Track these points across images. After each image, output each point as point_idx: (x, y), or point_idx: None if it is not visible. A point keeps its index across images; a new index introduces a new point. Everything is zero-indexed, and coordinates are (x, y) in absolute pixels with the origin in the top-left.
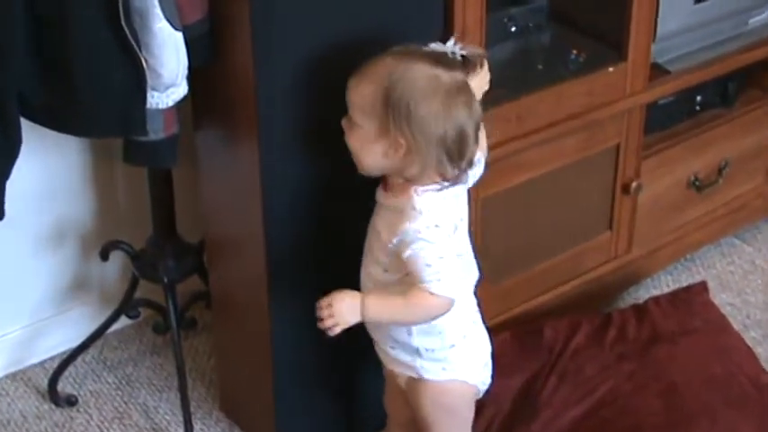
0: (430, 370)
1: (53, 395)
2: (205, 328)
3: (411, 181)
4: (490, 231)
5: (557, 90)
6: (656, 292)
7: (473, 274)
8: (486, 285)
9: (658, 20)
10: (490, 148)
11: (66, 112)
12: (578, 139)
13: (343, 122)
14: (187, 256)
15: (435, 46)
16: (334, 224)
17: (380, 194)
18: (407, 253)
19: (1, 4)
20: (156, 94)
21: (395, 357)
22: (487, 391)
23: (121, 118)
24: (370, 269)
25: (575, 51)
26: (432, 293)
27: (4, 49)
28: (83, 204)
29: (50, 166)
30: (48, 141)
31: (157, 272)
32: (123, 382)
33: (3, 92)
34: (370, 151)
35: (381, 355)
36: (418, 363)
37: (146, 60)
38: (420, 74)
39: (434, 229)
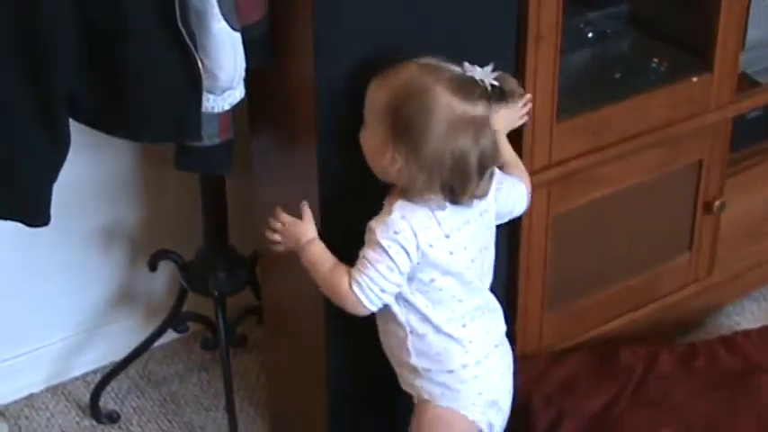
0: (430, 392)
1: (94, 411)
2: (256, 346)
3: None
4: (561, 249)
5: (636, 101)
6: (739, 320)
7: (477, 297)
8: (555, 307)
9: (748, 26)
10: (564, 161)
11: (117, 115)
12: (658, 155)
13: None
14: (239, 269)
15: (469, 68)
16: None
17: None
18: (365, 238)
19: (49, 2)
20: (211, 97)
21: (404, 379)
22: (561, 412)
23: (175, 122)
24: None
25: (656, 60)
26: (346, 281)
27: (52, 48)
28: (132, 211)
29: (100, 168)
30: (99, 142)
31: (207, 284)
32: (168, 400)
33: (50, 93)
34: (376, 156)
35: (399, 378)
36: (418, 383)
37: (202, 62)
38: (434, 99)
39: (390, 234)
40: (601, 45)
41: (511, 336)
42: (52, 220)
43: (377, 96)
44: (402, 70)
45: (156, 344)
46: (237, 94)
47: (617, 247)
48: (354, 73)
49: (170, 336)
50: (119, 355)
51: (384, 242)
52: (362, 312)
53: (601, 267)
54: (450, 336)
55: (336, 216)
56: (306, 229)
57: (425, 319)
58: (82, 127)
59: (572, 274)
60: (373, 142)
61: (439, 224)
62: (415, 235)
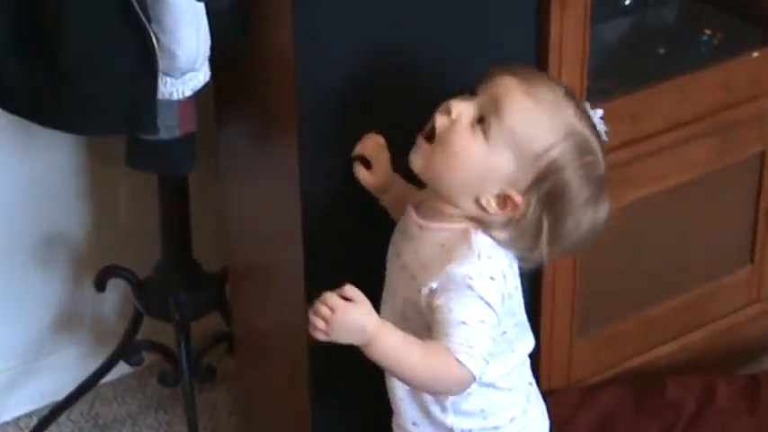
0: None
1: None
2: (225, 379)
3: (472, 219)
4: (594, 263)
5: (683, 82)
6: None
7: (528, 341)
8: (587, 332)
9: None
10: None
11: (55, 104)
12: (710, 146)
13: (457, 106)
14: (205, 288)
15: (591, 114)
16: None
17: (410, 216)
18: (442, 300)
19: None
20: (169, 80)
21: None
22: None
23: (125, 111)
24: (388, 313)
25: (707, 31)
26: (456, 361)
27: None
28: (75, 220)
29: (36, 170)
30: (33, 139)
31: (167, 307)
32: None
33: None
34: (469, 173)
35: None
36: None
37: (157, 38)
38: (599, 164)
39: (488, 282)
40: (640, 14)
41: (534, 367)
42: None
43: (530, 126)
44: (560, 105)
45: (105, 379)
46: (201, 77)
47: (661, 260)
48: (342, 51)
49: (122, 369)
50: (59, 393)
51: (487, 295)
52: (467, 389)
53: (641, 284)
54: (493, 385)
55: (323, 221)
56: (361, 313)
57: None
58: (12, 119)
59: (607, 291)
60: (483, 158)
61: (512, 260)
62: (505, 278)
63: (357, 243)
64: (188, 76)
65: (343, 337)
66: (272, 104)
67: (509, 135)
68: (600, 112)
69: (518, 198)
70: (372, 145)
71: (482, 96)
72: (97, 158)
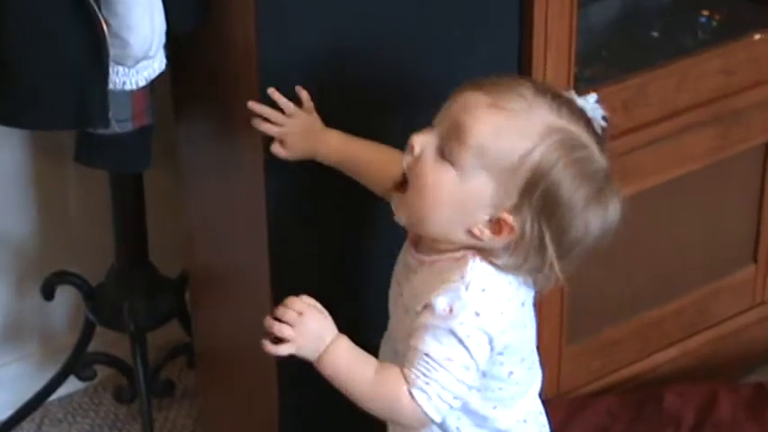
0: None
1: None
2: (186, 394)
3: (471, 248)
4: (584, 263)
5: (680, 67)
6: None
7: (537, 378)
8: (577, 338)
9: None
10: None
11: None
12: (710, 136)
13: (418, 141)
14: (163, 295)
15: (581, 102)
16: (364, 251)
17: (408, 254)
18: (417, 323)
19: None
20: (121, 69)
21: None
22: None
23: (73, 103)
24: (390, 354)
25: (706, 12)
26: (411, 396)
27: None
28: (20, 221)
29: None
30: None
31: (121, 316)
32: None
33: None
34: (450, 208)
35: None
36: None
37: (107, 23)
38: (594, 159)
39: (470, 319)
40: None
41: None
42: None
43: (502, 140)
44: (532, 111)
45: (54, 396)
46: (156, 65)
47: (657, 260)
48: (307, 41)
49: (72, 385)
50: (3, 412)
51: (461, 330)
52: (425, 426)
53: (636, 286)
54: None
55: (290, 222)
56: (324, 324)
57: (484, 422)
58: None
59: (598, 294)
60: (457, 189)
61: (517, 288)
62: (501, 314)
63: (326, 245)
64: (142, 64)
65: (305, 343)
66: (235, 97)
67: (477, 155)
68: (593, 97)
69: (509, 218)
70: (277, 121)
71: (443, 122)
72: (44, 155)
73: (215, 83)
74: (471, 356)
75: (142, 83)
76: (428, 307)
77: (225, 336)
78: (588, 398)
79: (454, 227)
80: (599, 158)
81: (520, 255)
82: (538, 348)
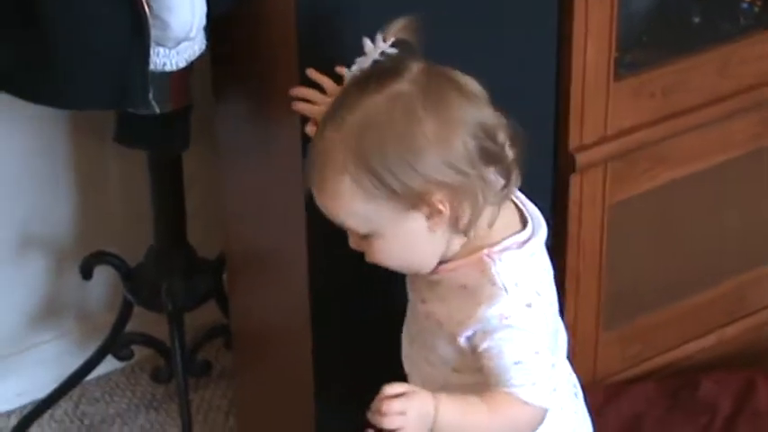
0: None
1: None
2: (223, 375)
3: (471, 240)
4: (619, 250)
5: (720, 53)
6: None
7: (563, 340)
8: (614, 325)
9: None
10: (625, 132)
11: (38, 76)
12: (749, 123)
13: (354, 244)
14: (200, 276)
15: (359, 63)
16: None
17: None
18: (486, 344)
19: None
20: (162, 50)
21: None
22: None
23: (115, 83)
24: (427, 369)
25: None
26: (524, 402)
27: None
28: (59, 201)
29: (17, 148)
30: (15, 114)
31: (159, 297)
32: None
33: None
34: (411, 245)
35: None
36: None
37: (148, 4)
38: (377, 110)
39: (526, 311)
40: None
41: None
42: None
43: (338, 193)
44: (319, 144)
45: (92, 375)
46: (196, 47)
47: (696, 247)
48: (347, 24)
49: (110, 364)
50: (41, 390)
51: (530, 325)
52: (542, 422)
53: (674, 273)
54: None
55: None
56: (422, 400)
57: None
58: None
59: (635, 282)
60: (392, 239)
61: (530, 255)
62: (539, 294)
63: None
64: (182, 46)
65: (415, 429)
66: (274, 79)
67: (350, 218)
68: (379, 38)
69: (435, 200)
70: (316, 101)
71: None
72: (84, 135)
73: (253, 63)
74: (545, 338)
75: (182, 64)
76: (483, 323)
77: (261, 317)
78: (624, 384)
79: (433, 254)
80: (406, 85)
81: (475, 201)
82: (573, 335)
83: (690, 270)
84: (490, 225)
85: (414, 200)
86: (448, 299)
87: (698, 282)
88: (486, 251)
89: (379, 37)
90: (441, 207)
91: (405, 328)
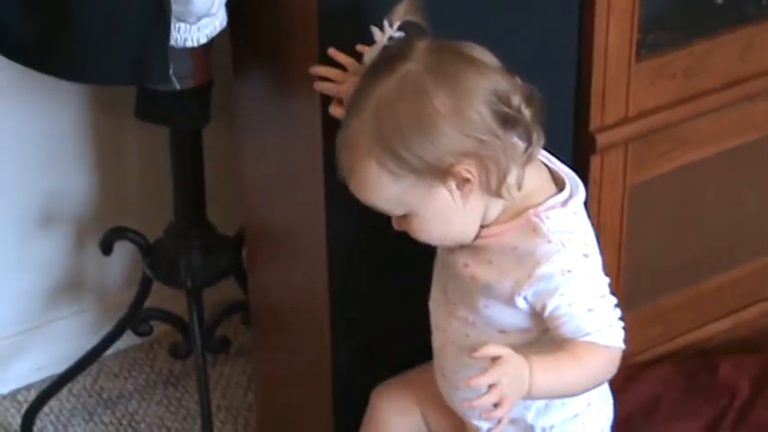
0: None
1: None
2: (241, 352)
3: (514, 204)
4: (641, 231)
5: (742, 35)
6: None
7: None
8: (633, 306)
9: None
10: (646, 113)
11: (59, 51)
12: None
13: (396, 226)
14: (219, 253)
15: (371, 52)
16: None
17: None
18: (554, 301)
19: None
20: (183, 26)
21: None
22: None
23: (135, 59)
24: (466, 331)
25: None
26: (605, 347)
27: None
28: (79, 177)
29: (37, 123)
30: (35, 89)
31: (178, 272)
32: (125, 424)
33: None
34: (448, 218)
35: None
36: None
37: None
38: (389, 93)
39: (585, 261)
40: None
41: None
42: None
43: (372, 180)
44: (350, 138)
45: (110, 351)
46: (217, 22)
47: (715, 229)
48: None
49: (128, 340)
50: (60, 365)
51: (591, 272)
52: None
53: (693, 255)
54: None
55: (347, 193)
56: (514, 363)
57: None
58: (17, 71)
59: (655, 263)
60: (430, 212)
61: (578, 207)
62: (590, 245)
63: None
64: (203, 21)
65: (514, 396)
66: (294, 56)
67: (390, 202)
68: (386, 24)
69: (460, 170)
70: (337, 80)
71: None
72: (105, 111)
73: (273, 39)
74: (604, 280)
75: (203, 40)
76: (545, 281)
77: (280, 293)
78: (644, 366)
79: (472, 222)
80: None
81: (498, 159)
82: None
83: (709, 252)
84: (519, 186)
85: (440, 174)
86: (497, 261)
87: (717, 264)
88: (532, 212)
89: (385, 23)
90: (468, 175)
91: (436, 295)
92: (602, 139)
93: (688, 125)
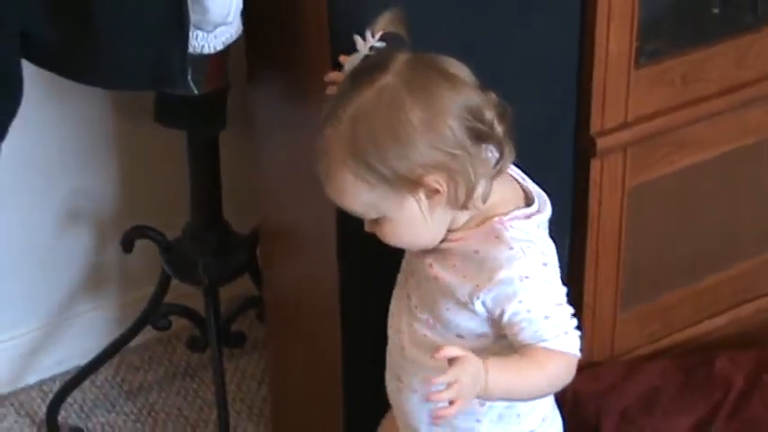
0: None
1: (52, 428)
2: (256, 346)
3: (481, 212)
4: (640, 231)
5: (738, 43)
6: None
7: None
8: (632, 304)
9: None
10: (645, 118)
11: (82, 57)
12: (764, 112)
13: (368, 228)
14: (235, 251)
15: (352, 60)
16: None
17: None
18: (512, 307)
19: None
20: (200, 34)
21: None
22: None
23: (155, 65)
24: (424, 333)
25: None
26: (561, 353)
27: None
28: (101, 178)
29: (61, 126)
30: (59, 94)
31: (196, 270)
32: (145, 414)
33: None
34: (416, 226)
35: None
36: None
37: None
38: (366, 104)
39: (544, 269)
40: None
41: None
42: (1, 190)
43: (346, 187)
44: (324, 142)
45: (131, 344)
46: (233, 31)
47: (711, 230)
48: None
49: (148, 334)
50: (83, 358)
51: (548, 278)
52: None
53: (690, 255)
54: None
55: None
56: (472, 363)
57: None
58: (35, 73)
59: (653, 262)
60: (401, 218)
61: (537, 224)
62: (549, 255)
63: None
64: (219, 30)
65: (469, 393)
66: (306, 63)
67: (361, 206)
68: (368, 33)
69: (431, 181)
70: None
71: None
72: (125, 116)
73: (287, 47)
74: (561, 289)
75: (219, 47)
76: (503, 285)
77: (293, 290)
78: (642, 360)
79: (438, 230)
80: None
81: (468, 173)
82: (593, 313)
83: (705, 252)
84: (484, 200)
85: (411, 184)
86: (460, 265)
87: (713, 263)
88: (497, 219)
89: (368, 32)
90: (437, 186)
91: (397, 301)
92: (602, 143)
93: (685, 130)
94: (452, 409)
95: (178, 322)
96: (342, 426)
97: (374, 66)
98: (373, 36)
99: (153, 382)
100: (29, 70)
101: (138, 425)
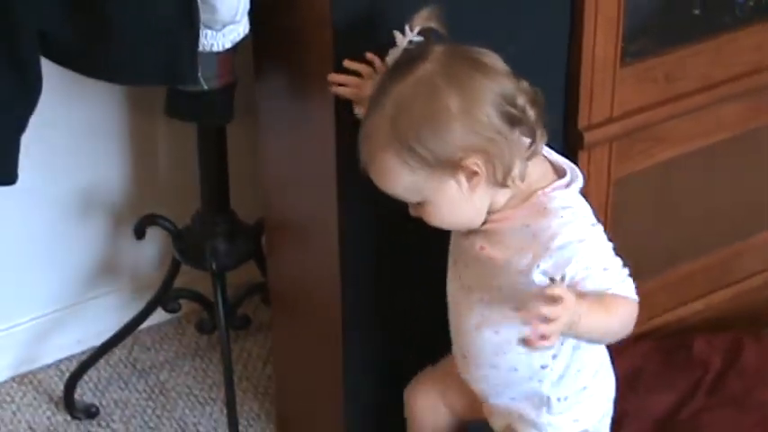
0: (559, 426)
1: (69, 404)
2: (260, 329)
3: (521, 190)
4: (622, 221)
5: (717, 43)
6: None
7: None
8: None
9: None
10: (629, 114)
11: (97, 54)
12: (742, 108)
13: (413, 212)
14: (242, 239)
15: (392, 53)
16: None
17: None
18: (573, 271)
19: None
20: (210, 33)
21: (515, 411)
22: (623, 412)
23: (166, 62)
24: (483, 312)
25: None
26: (624, 297)
27: None
28: (115, 168)
29: (76, 119)
30: (74, 89)
31: (204, 256)
32: (156, 392)
33: (19, 27)
34: (458, 206)
35: (490, 415)
36: (545, 419)
37: None
38: (407, 92)
39: (593, 229)
40: None
41: None
42: (19, 179)
43: (391, 173)
44: (372, 128)
45: (143, 326)
46: (241, 29)
47: (690, 219)
48: (379, 10)
49: (159, 316)
50: (98, 338)
51: (601, 238)
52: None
53: (670, 243)
54: (578, 346)
55: (357, 173)
56: (574, 302)
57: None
58: (53, 69)
59: (635, 249)
60: (441, 201)
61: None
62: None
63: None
64: (228, 28)
65: (563, 324)
66: (310, 60)
67: (406, 192)
68: (408, 30)
69: (469, 164)
70: (360, 86)
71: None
72: (138, 109)
73: (292, 44)
74: (609, 243)
75: (228, 45)
76: (561, 252)
77: (296, 276)
78: (624, 343)
79: (480, 210)
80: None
81: (508, 158)
82: None
83: (684, 240)
84: (522, 178)
85: (451, 167)
86: (510, 241)
87: (691, 250)
88: (540, 192)
89: (407, 27)
90: (476, 168)
91: (452, 283)
92: (589, 137)
93: (667, 125)
94: (545, 342)
95: (188, 305)
96: (342, 402)
97: (413, 57)
98: (411, 30)
99: (164, 362)
100: (46, 67)
101: (150, 402)
